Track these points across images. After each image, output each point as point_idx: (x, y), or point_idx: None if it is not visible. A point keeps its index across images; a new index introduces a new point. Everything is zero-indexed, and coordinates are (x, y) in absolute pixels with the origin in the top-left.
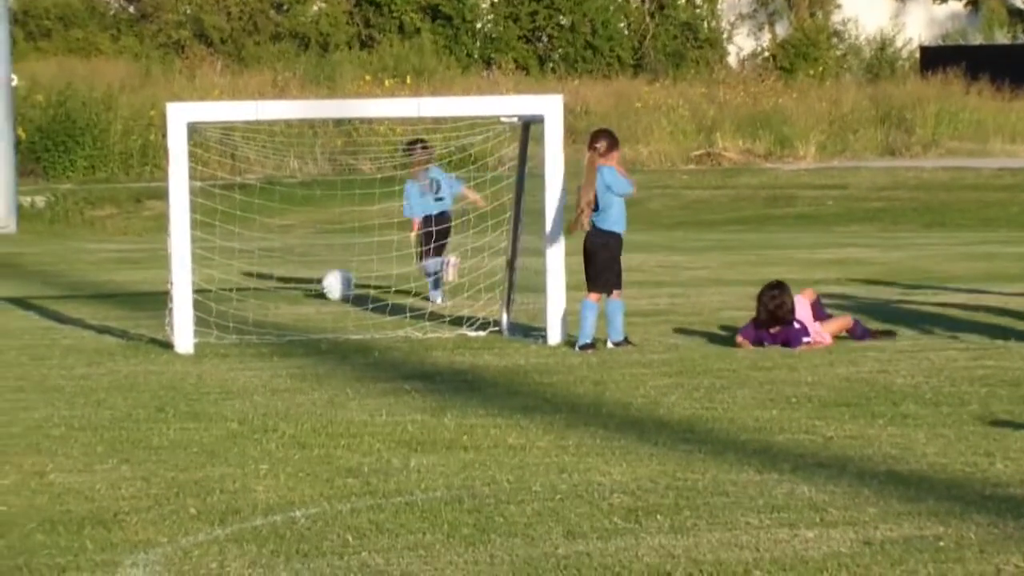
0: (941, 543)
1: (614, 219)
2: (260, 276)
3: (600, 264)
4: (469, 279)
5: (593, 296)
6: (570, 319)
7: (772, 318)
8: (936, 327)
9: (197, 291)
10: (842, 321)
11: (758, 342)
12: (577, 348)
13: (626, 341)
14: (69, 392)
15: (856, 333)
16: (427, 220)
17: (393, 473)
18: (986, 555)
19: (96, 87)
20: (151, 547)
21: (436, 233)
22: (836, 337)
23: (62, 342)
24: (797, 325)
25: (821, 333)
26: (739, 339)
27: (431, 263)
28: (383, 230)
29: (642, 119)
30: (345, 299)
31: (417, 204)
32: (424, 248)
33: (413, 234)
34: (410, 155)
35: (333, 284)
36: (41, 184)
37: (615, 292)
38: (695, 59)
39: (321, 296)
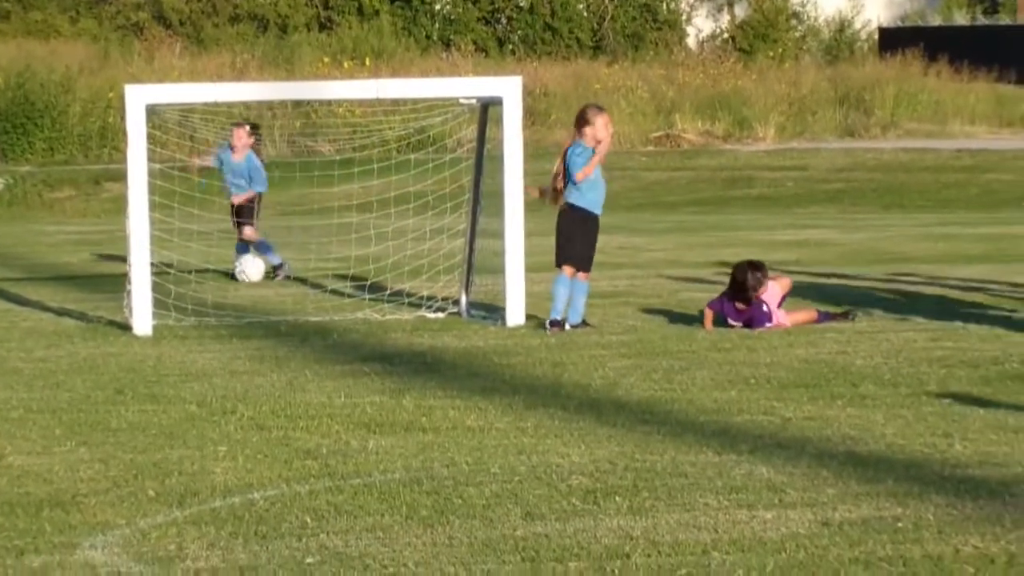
0: (900, 524)
1: (589, 200)
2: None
3: (578, 241)
4: (428, 260)
5: (568, 270)
6: (528, 300)
7: (743, 293)
8: (895, 308)
9: (156, 273)
10: (807, 314)
11: (721, 316)
12: (548, 323)
13: (584, 323)
14: (27, 374)
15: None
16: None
17: (352, 455)
18: (944, 536)
19: (55, 69)
20: (110, 529)
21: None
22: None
23: (21, 324)
24: (764, 308)
25: (783, 321)
26: (706, 310)
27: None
28: (342, 212)
29: (602, 100)
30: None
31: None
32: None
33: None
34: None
35: (249, 268)
36: (0, 167)
37: (583, 274)
38: (654, 41)
39: (284, 278)
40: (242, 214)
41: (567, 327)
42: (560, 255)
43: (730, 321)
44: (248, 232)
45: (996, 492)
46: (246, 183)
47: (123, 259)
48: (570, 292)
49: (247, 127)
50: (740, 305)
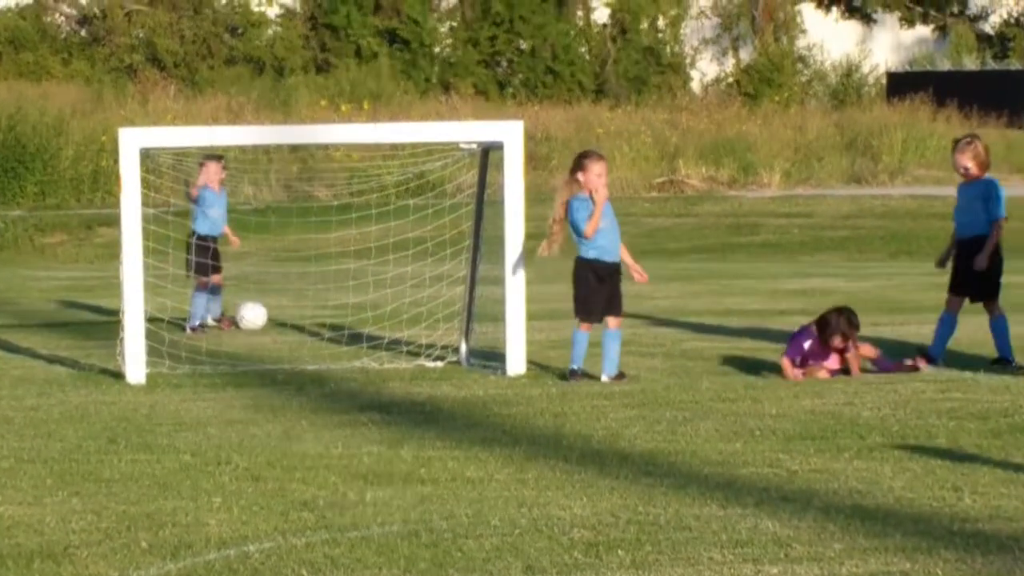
0: None
1: (602, 249)
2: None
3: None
4: (427, 308)
5: (585, 326)
6: (529, 349)
7: (843, 338)
8: (903, 359)
9: (149, 320)
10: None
11: (805, 360)
12: (568, 372)
13: (620, 375)
14: (18, 423)
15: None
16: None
17: (349, 507)
18: None
19: (47, 111)
20: None
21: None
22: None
23: (11, 372)
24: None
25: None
26: (786, 361)
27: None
28: (340, 258)
29: (603, 145)
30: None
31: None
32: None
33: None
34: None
35: (250, 316)
36: None
37: (614, 320)
38: (657, 84)
39: (280, 325)
40: (218, 256)
41: (604, 378)
42: (579, 309)
43: (810, 364)
44: (219, 277)
45: (1006, 547)
46: (222, 220)
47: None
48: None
49: (222, 160)
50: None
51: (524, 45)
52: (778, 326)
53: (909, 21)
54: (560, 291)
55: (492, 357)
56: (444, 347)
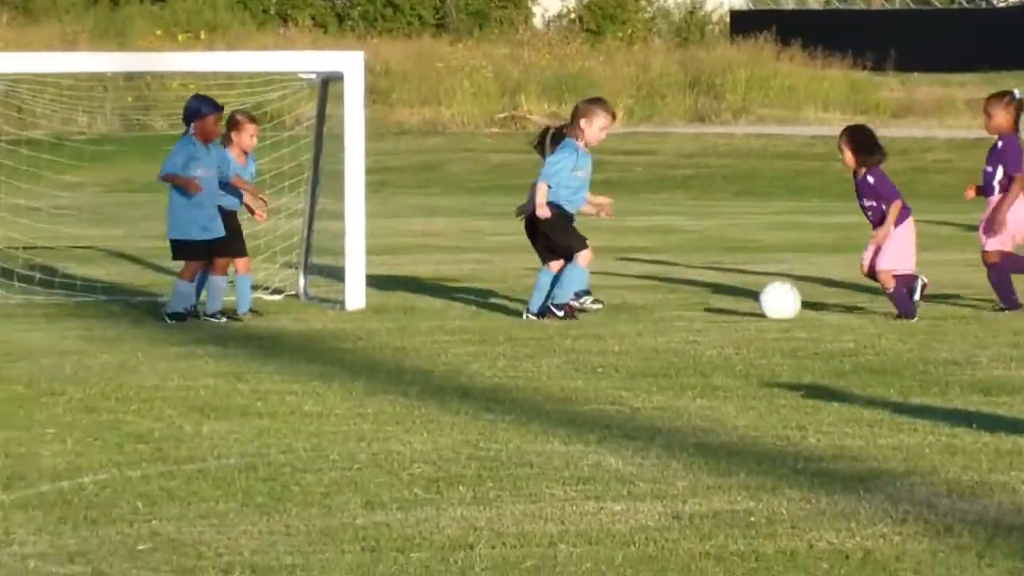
0: (752, 518)
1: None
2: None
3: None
4: (265, 241)
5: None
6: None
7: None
8: (746, 297)
9: None
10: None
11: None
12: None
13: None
14: None
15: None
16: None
17: (185, 439)
18: (798, 531)
19: None
20: None
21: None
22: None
23: None
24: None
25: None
26: None
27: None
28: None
29: (444, 80)
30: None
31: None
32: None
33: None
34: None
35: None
36: None
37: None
38: (499, 19)
39: (115, 255)
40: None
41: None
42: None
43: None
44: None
45: (851, 486)
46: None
47: None
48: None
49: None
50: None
51: None
52: (620, 266)
53: None
54: (397, 226)
55: (331, 292)
56: (282, 281)
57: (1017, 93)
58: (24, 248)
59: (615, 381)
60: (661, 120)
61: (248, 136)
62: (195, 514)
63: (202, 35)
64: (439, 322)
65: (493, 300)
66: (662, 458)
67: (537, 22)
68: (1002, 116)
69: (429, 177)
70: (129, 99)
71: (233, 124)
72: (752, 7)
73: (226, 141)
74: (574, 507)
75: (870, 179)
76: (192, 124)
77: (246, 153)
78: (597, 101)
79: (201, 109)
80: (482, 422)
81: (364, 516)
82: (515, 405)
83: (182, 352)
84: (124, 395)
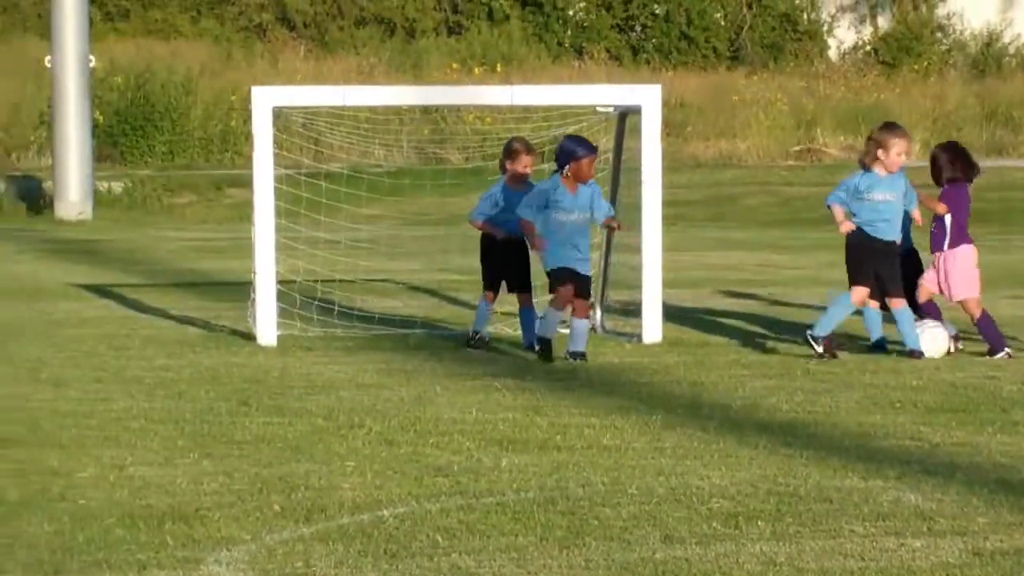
0: None
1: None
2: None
3: None
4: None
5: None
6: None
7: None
8: None
9: (281, 282)
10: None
11: None
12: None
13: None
14: (149, 383)
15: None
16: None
17: (484, 472)
18: None
19: (176, 70)
20: (234, 544)
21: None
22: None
23: (141, 332)
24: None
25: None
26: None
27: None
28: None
29: (739, 113)
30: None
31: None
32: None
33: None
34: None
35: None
36: (118, 169)
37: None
38: (794, 52)
39: (412, 288)
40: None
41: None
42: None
43: None
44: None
45: None
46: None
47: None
48: None
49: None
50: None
51: (658, 10)
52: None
53: None
54: (692, 260)
55: (628, 324)
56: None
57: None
58: (323, 281)
59: (913, 416)
60: None
61: (522, 166)
62: (494, 547)
63: (498, 68)
64: (736, 356)
65: (788, 334)
66: (962, 494)
67: (832, 54)
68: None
69: (724, 210)
70: (425, 132)
71: (509, 152)
72: None
73: (502, 169)
74: (874, 543)
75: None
76: (567, 166)
77: (522, 179)
78: (890, 127)
79: (577, 151)
80: (780, 457)
81: (663, 550)
82: (813, 440)
83: (479, 385)
84: (423, 428)
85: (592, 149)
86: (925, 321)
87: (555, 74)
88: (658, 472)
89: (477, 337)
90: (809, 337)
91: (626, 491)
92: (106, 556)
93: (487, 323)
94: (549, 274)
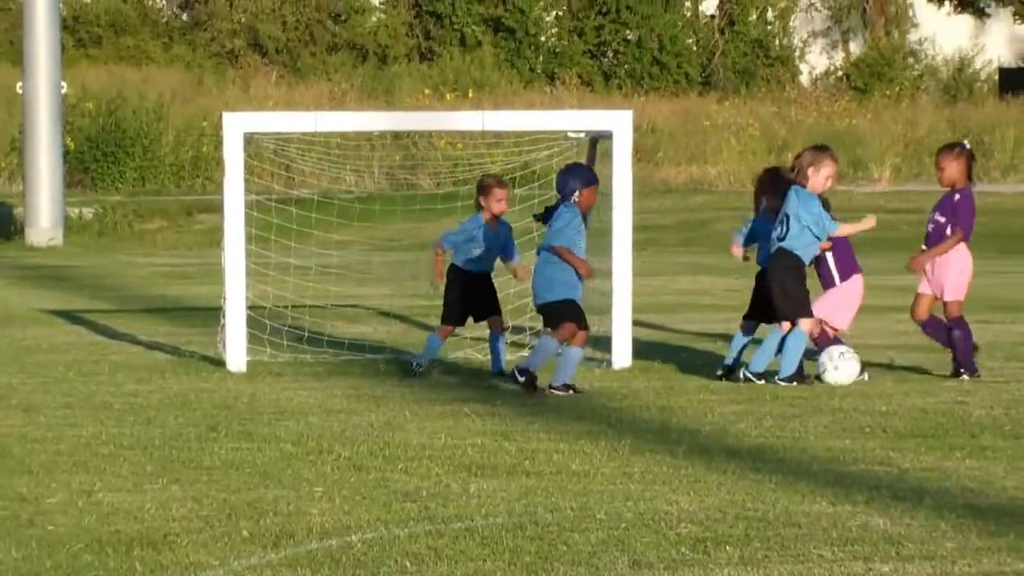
0: None
1: None
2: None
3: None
4: (530, 300)
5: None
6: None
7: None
8: (1016, 359)
9: (251, 307)
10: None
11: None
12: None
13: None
14: (118, 409)
15: None
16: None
17: (452, 498)
18: None
19: (147, 96)
20: (202, 570)
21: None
22: None
23: (111, 358)
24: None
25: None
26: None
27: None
28: None
29: (710, 138)
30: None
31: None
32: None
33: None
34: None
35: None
36: (89, 195)
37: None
38: (766, 77)
39: (382, 314)
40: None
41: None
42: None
43: None
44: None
45: None
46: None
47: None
48: None
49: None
50: None
51: (631, 36)
52: (884, 323)
53: (1023, 16)
54: (663, 284)
55: (597, 350)
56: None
57: (967, 144)
58: (293, 306)
59: (882, 441)
60: (929, 178)
61: (496, 200)
62: (462, 573)
63: (470, 93)
64: (705, 381)
65: None
66: (930, 519)
67: (804, 80)
68: (954, 168)
69: (694, 235)
70: (397, 157)
71: (481, 189)
72: (1022, 65)
73: (478, 207)
74: (842, 568)
75: (957, 196)
76: (575, 194)
77: (497, 218)
78: (823, 150)
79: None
80: (749, 482)
81: None
82: (782, 465)
83: (448, 411)
84: (391, 453)
85: (594, 180)
86: (830, 349)
87: (527, 100)
88: (626, 497)
89: (420, 370)
90: (779, 382)
91: (594, 516)
92: None
93: (433, 357)
94: (553, 304)
